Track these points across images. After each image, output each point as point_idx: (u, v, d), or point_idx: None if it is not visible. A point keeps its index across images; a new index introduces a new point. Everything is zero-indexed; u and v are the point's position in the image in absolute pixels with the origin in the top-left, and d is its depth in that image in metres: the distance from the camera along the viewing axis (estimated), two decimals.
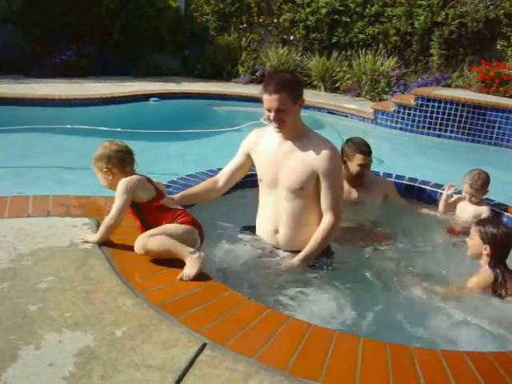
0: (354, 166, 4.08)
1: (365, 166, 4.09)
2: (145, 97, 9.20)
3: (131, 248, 2.72)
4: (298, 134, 3.16)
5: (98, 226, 3.03)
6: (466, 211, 4.12)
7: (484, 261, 3.13)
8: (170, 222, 2.79)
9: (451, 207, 4.23)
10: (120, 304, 2.28)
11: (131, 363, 1.92)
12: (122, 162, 2.86)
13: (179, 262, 2.65)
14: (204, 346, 2.04)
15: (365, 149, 4.12)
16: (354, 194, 4.15)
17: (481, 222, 3.23)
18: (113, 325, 2.13)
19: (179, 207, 2.93)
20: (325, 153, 3.07)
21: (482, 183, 4.06)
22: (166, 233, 2.69)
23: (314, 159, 3.07)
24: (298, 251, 3.15)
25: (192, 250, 2.63)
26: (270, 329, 2.20)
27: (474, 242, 3.16)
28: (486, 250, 3.10)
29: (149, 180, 2.91)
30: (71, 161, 5.62)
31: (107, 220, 2.76)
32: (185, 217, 2.84)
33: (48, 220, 3.08)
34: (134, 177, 2.83)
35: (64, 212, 3.22)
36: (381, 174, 4.65)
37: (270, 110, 3.02)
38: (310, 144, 3.12)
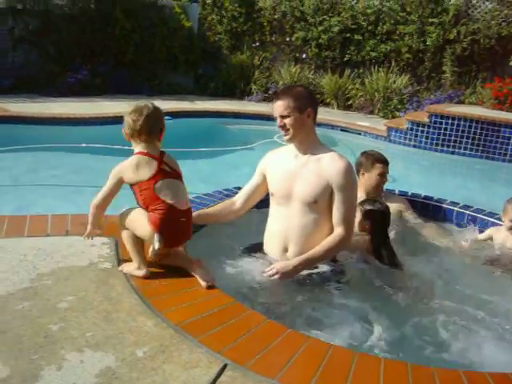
0: (373, 176, 4.11)
1: (384, 175, 4.13)
2: None
3: (150, 267, 2.74)
4: (313, 148, 3.21)
5: (117, 245, 3.06)
6: (509, 241, 3.93)
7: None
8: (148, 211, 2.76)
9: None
10: (140, 324, 2.29)
11: None
12: (133, 126, 2.89)
13: (197, 282, 2.67)
14: (225, 366, 2.04)
15: (383, 158, 4.18)
16: None
17: (361, 202, 3.68)
18: (134, 345, 2.13)
19: (165, 200, 2.75)
20: (340, 167, 3.10)
21: None
22: (131, 227, 2.80)
23: (329, 173, 3.10)
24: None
25: (143, 267, 2.74)
26: (291, 349, 2.19)
27: (358, 219, 3.54)
28: (367, 225, 3.59)
29: (159, 158, 2.83)
30: (87, 179, 5.66)
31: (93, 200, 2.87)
32: (156, 215, 2.72)
33: (67, 239, 3.11)
34: (127, 162, 2.83)
35: (83, 231, 3.22)
36: (396, 192, 4.64)
37: (276, 117, 3.18)
38: (325, 158, 3.15)
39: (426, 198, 4.68)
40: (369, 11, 12.07)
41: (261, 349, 2.18)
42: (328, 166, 3.12)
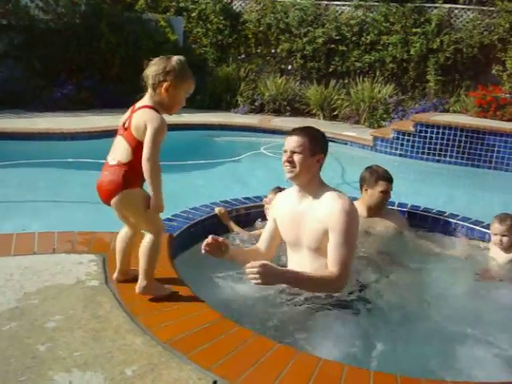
0: (376, 193, 4.12)
1: (387, 192, 4.13)
2: None
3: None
4: (316, 193, 3.14)
5: (104, 262, 3.05)
6: (498, 257, 3.96)
7: None
8: None
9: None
10: (129, 342, 2.28)
11: None
12: None
13: (186, 298, 2.67)
14: (215, 383, 2.03)
15: (387, 175, 4.18)
16: (370, 223, 4.17)
17: None
18: (122, 364, 2.12)
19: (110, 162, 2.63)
20: (336, 208, 3.01)
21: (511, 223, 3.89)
22: None
23: (327, 216, 3.03)
24: None
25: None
26: (280, 364, 2.19)
27: None
28: None
29: (130, 114, 2.65)
30: (74, 195, 5.64)
31: None
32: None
33: (54, 257, 3.09)
34: None
35: (70, 249, 3.23)
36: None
37: (286, 151, 3.11)
38: (324, 201, 3.08)
39: (412, 207, 4.71)
40: (352, 22, 12.20)
41: (250, 364, 2.17)
42: (325, 209, 3.05)
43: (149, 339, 2.31)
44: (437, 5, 11.81)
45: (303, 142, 3.07)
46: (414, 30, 11.69)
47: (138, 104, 2.67)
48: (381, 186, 4.13)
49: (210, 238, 3.10)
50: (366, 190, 4.18)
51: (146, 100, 2.66)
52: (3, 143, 7.74)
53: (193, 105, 12.22)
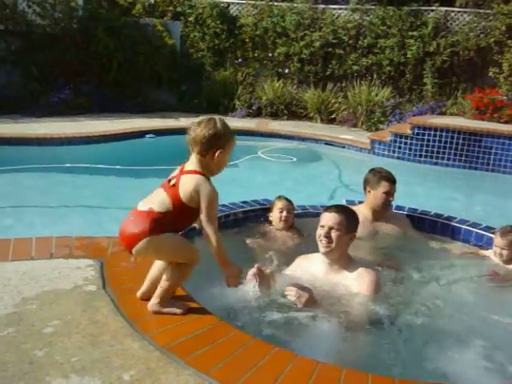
0: (379, 194, 4.13)
1: (390, 193, 4.14)
2: (142, 133, 9.28)
3: (135, 289, 2.72)
4: (346, 267, 3.22)
5: (102, 267, 3.05)
6: (499, 267, 3.94)
7: None
8: None
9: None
10: (126, 347, 2.27)
11: None
12: None
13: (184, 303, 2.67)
14: None
15: (390, 176, 4.19)
16: (376, 227, 4.17)
17: None
18: (120, 369, 2.12)
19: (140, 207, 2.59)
20: (365, 282, 3.11)
21: None
22: None
23: (356, 289, 3.11)
24: None
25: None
26: (278, 368, 2.19)
27: None
28: None
29: (178, 173, 2.67)
30: (71, 200, 5.63)
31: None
32: None
33: (51, 262, 3.08)
34: None
35: (67, 254, 3.22)
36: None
37: (323, 226, 3.17)
38: (354, 276, 3.16)
39: (409, 209, 4.71)
40: (349, 26, 12.26)
41: (249, 368, 2.17)
42: (356, 283, 3.13)
43: (146, 344, 2.31)
44: (433, 8, 11.87)
45: (341, 220, 3.16)
46: (410, 33, 11.75)
47: (187, 166, 2.66)
48: (384, 186, 4.14)
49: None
50: (370, 191, 4.20)
51: (194, 164, 2.64)
52: (0, 148, 7.72)
53: (190, 109, 12.26)
